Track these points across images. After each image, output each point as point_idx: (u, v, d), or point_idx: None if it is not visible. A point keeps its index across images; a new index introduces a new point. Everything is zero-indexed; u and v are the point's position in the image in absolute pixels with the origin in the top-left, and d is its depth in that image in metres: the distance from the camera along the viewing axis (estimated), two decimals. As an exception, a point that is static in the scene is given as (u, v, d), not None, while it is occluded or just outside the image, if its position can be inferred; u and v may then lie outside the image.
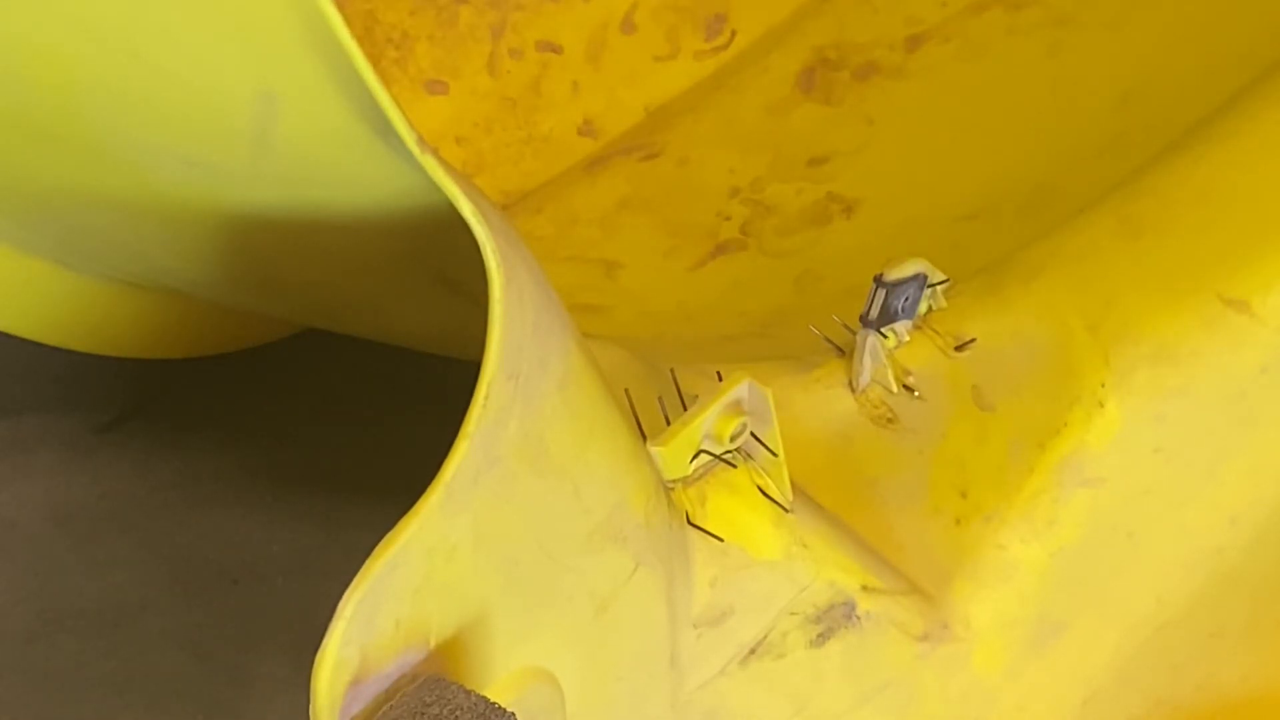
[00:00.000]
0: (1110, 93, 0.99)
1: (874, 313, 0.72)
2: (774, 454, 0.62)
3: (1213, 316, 0.73)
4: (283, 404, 1.19)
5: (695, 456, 0.61)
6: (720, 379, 0.62)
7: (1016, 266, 0.77)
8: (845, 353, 0.74)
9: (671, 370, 0.66)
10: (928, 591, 0.70)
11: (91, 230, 0.79)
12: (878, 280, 0.72)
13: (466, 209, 0.46)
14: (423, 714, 0.45)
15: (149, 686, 0.98)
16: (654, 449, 0.60)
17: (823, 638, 0.65)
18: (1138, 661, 0.74)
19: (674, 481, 0.61)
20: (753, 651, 0.63)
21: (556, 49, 1.21)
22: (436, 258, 0.59)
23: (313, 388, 1.20)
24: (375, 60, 1.12)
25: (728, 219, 1.08)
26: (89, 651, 1.00)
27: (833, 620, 0.66)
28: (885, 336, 0.73)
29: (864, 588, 0.66)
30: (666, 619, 0.59)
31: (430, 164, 0.46)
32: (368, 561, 0.45)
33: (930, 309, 0.75)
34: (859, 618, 0.66)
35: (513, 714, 0.46)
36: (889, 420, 0.73)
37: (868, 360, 0.73)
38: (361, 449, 1.16)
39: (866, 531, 0.70)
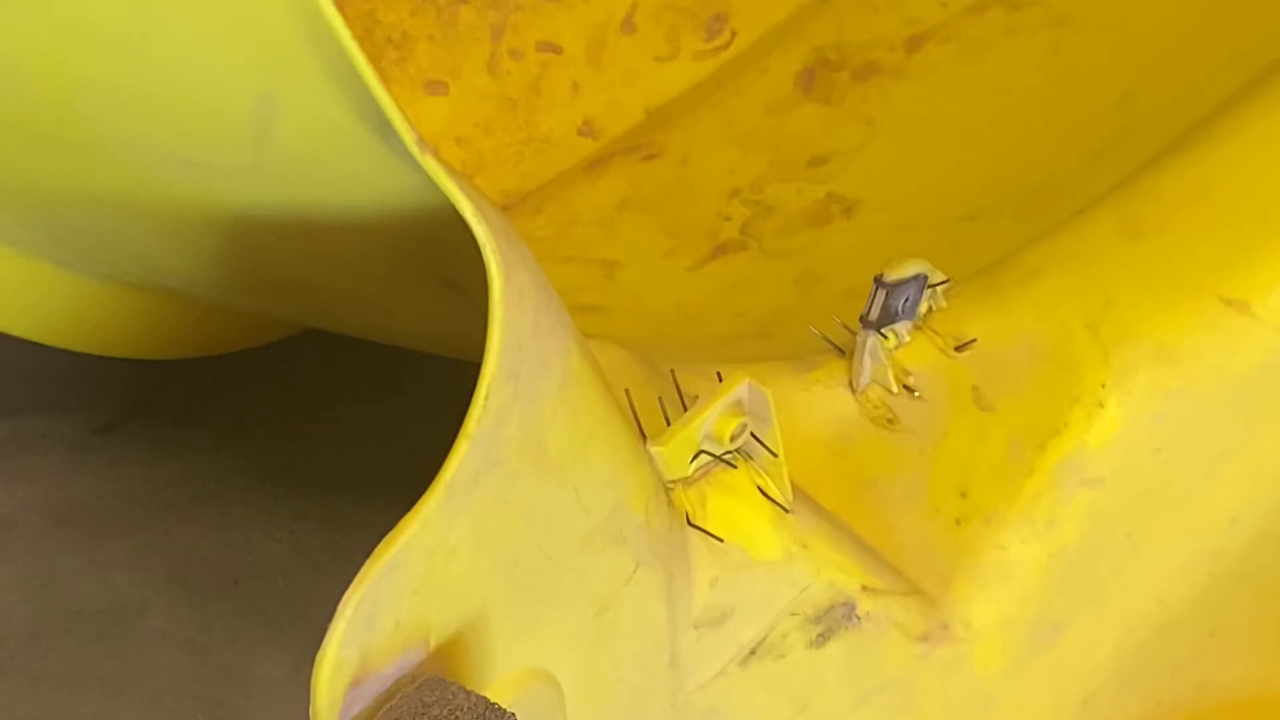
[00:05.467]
0: (1110, 93, 0.99)
1: (874, 313, 0.72)
2: (774, 454, 0.62)
3: (1213, 316, 0.73)
4: (283, 404, 1.19)
5: (695, 457, 0.61)
6: (720, 379, 0.62)
7: (1016, 267, 0.77)
8: (845, 353, 0.74)
9: (671, 370, 0.66)
10: (928, 592, 0.69)
11: (91, 230, 0.79)
12: (878, 281, 0.72)
13: (466, 209, 0.46)
14: (423, 714, 0.45)
15: (149, 686, 0.98)
16: (654, 449, 0.60)
17: (823, 638, 0.65)
18: (1137, 662, 0.74)
19: (674, 482, 0.61)
20: (753, 652, 0.63)
21: (556, 49, 1.21)
22: (437, 258, 0.59)
23: (313, 388, 1.20)
24: (375, 60, 1.11)
25: (728, 219, 1.07)
26: (89, 651, 1.00)
27: (833, 621, 0.66)
28: (885, 337, 0.73)
29: (864, 588, 0.66)
30: (666, 619, 0.59)
31: (430, 164, 0.46)
32: (368, 562, 0.45)
33: (930, 309, 0.75)
34: (859, 618, 0.66)
35: (513, 714, 0.46)
36: (889, 421, 0.73)
37: (868, 361, 0.73)
38: (361, 449, 1.16)
39: (866, 532, 0.70)
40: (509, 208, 1.16)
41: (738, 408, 0.61)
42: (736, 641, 0.63)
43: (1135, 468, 0.72)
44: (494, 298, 0.46)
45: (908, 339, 0.74)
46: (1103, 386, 0.72)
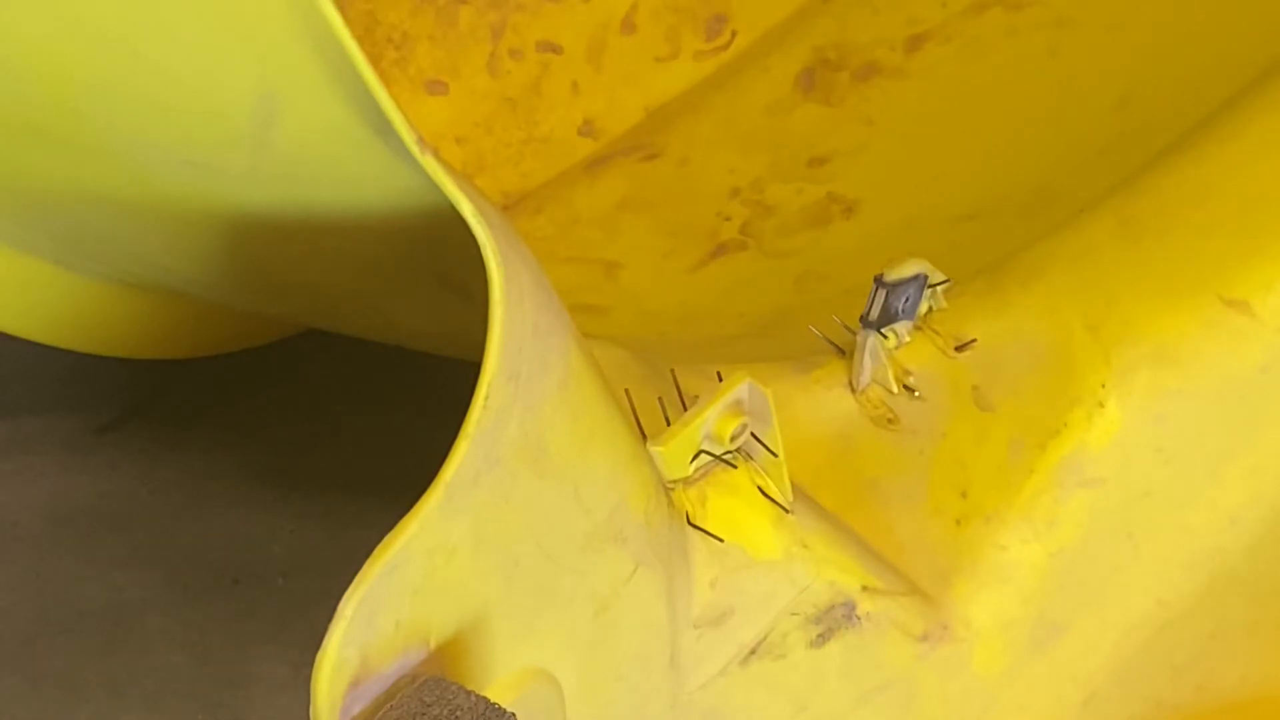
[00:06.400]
0: (1110, 93, 0.99)
1: (874, 313, 0.72)
2: (774, 454, 0.62)
3: (1213, 317, 0.73)
4: (283, 404, 1.19)
5: (695, 457, 0.61)
6: (720, 379, 0.61)
7: (1017, 267, 0.77)
8: (845, 353, 0.74)
9: (672, 370, 0.66)
10: (928, 592, 0.70)
11: (91, 230, 0.79)
12: (878, 281, 0.72)
13: (466, 209, 0.46)
14: (423, 714, 0.45)
15: (149, 686, 0.98)
16: (654, 449, 0.59)
17: (823, 638, 0.65)
18: (1138, 662, 0.74)
19: (674, 482, 0.61)
20: (753, 652, 0.63)
21: (556, 49, 1.21)
22: (437, 258, 0.59)
23: (313, 388, 1.20)
24: (375, 60, 1.11)
25: (728, 219, 1.07)
26: (89, 651, 1.00)
27: (833, 621, 0.66)
28: (885, 337, 0.73)
29: (864, 588, 0.66)
30: (666, 619, 0.59)
31: (430, 164, 0.46)
32: (368, 562, 0.45)
33: (931, 309, 0.75)
34: (859, 618, 0.66)
35: (513, 714, 0.46)
36: (889, 421, 0.73)
37: (868, 361, 0.73)
38: (361, 449, 1.16)
39: (866, 532, 0.70)
40: (509, 208, 1.16)
41: (738, 408, 0.61)
42: (736, 641, 0.63)
43: (1135, 468, 0.72)
44: (494, 298, 0.46)
45: (908, 339, 0.74)
46: (1103, 386, 0.72)
